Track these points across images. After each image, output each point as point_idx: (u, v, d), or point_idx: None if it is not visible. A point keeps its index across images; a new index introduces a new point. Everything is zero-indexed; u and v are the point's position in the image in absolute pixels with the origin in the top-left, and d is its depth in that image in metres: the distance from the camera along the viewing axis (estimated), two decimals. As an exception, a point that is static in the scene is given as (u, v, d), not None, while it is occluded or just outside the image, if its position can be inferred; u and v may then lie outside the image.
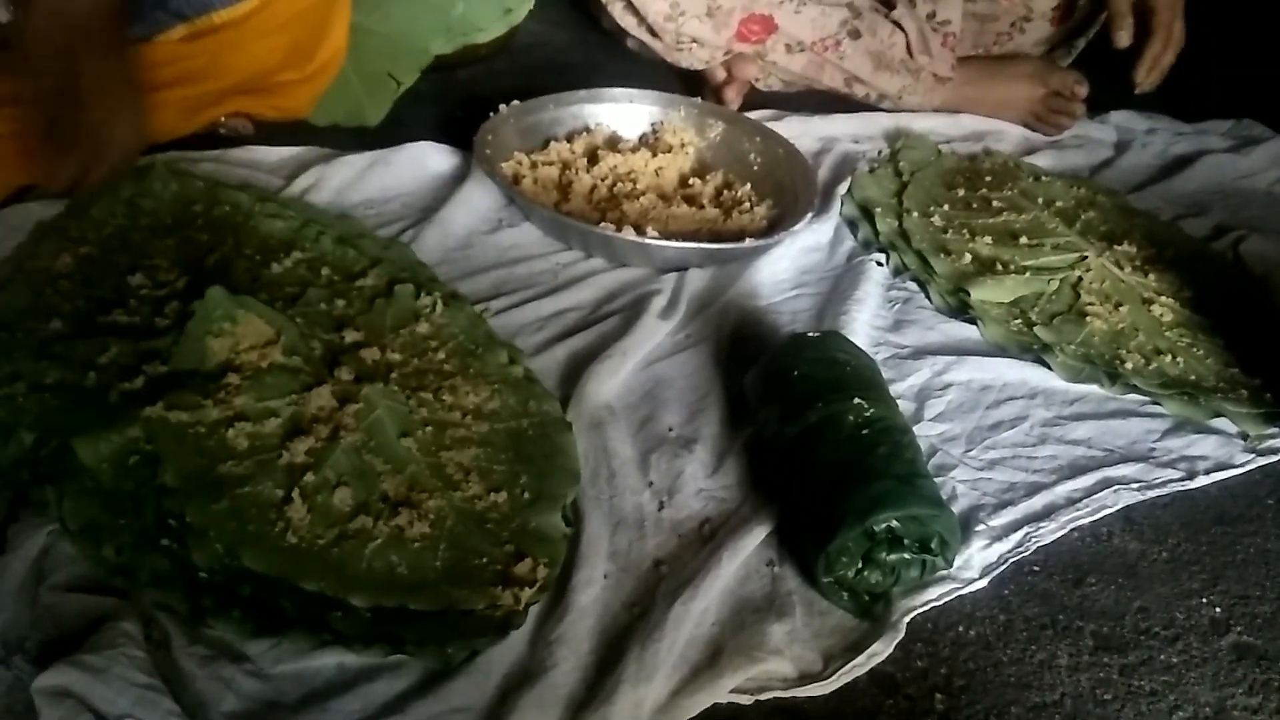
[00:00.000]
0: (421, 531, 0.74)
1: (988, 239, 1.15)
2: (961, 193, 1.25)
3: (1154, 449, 0.95)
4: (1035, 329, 1.05)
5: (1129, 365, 1.02)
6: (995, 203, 1.22)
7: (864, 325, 1.02)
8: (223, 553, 0.69)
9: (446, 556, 0.73)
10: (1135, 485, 0.90)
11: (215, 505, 0.71)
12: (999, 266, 1.11)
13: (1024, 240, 1.15)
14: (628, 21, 1.38)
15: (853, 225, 1.20)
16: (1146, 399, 1.00)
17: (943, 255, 1.12)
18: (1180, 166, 1.43)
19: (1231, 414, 0.98)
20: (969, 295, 1.07)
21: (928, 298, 1.10)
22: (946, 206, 1.21)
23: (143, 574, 0.68)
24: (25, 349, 0.79)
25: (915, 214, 1.18)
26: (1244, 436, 0.97)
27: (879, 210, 1.18)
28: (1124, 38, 1.31)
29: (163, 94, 1.04)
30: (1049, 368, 1.02)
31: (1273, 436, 0.97)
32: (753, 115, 1.33)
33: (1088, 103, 1.44)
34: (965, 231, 1.17)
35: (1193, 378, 1.02)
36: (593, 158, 1.20)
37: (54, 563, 0.69)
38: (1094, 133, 1.49)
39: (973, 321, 1.06)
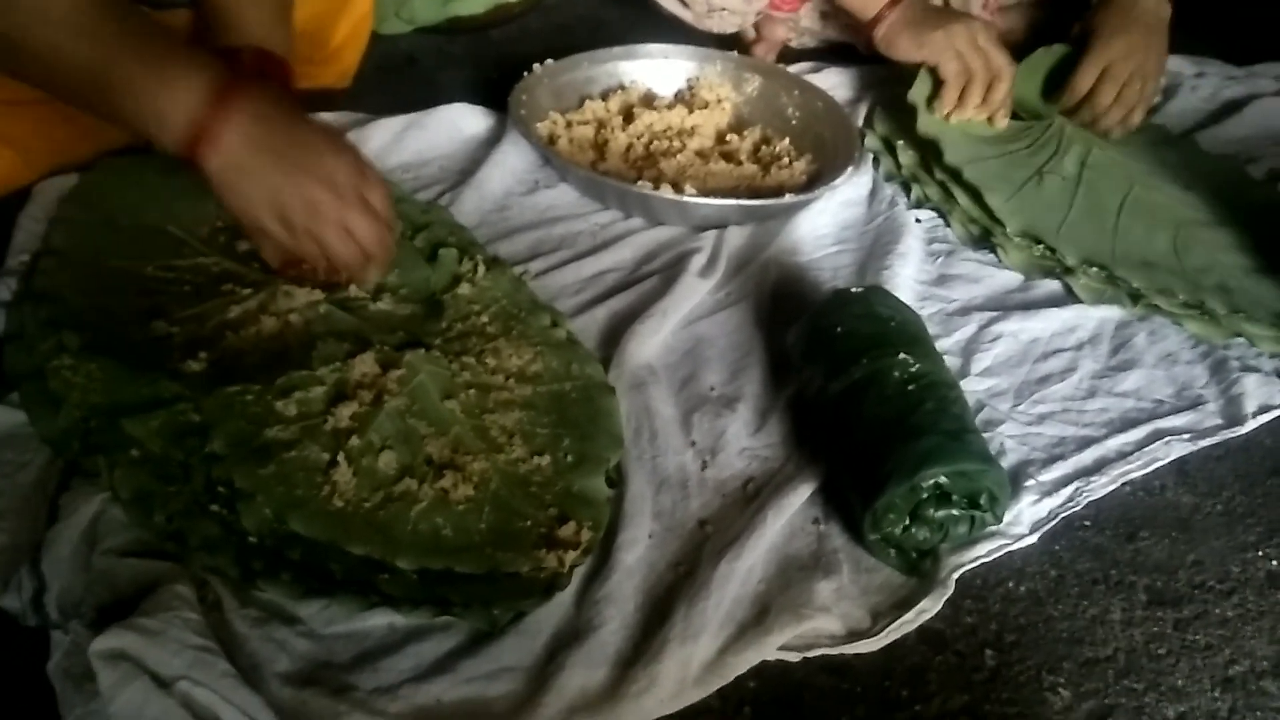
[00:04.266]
0: (466, 494, 0.74)
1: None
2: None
3: (1202, 395, 0.94)
4: (1057, 253, 1.04)
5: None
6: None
7: (908, 280, 1.01)
8: (271, 517, 0.70)
9: (491, 519, 0.73)
10: (1186, 435, 0.89)
11: (263, 470, 0.71)
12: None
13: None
14: None
15: (876, 159, 1.19)
16: (1188, 342, 0.99)
17: (960, 182, 1.11)
18: (1230, 111, 1.38)
19: (1250, 334, 0.99)
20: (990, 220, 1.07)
21: (947, 225, 1.11)
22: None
23: (193, 539, 0.69)
24: (74, 322, 0.79)
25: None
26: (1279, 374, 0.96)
27: (900, 144, 1.17)
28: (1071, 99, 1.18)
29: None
30: (1071, 292, 1.02)
31: None
32: (791, 69, 1.30)
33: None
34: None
35: (1215, 298, 1.02)
36: (628, 116, 1.19)
37: (106, 528, 0.70)
38: (1142, 78, 1.45)
39: (994, 250, 1.07)
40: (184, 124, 0.73)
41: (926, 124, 1.15)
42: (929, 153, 1.14)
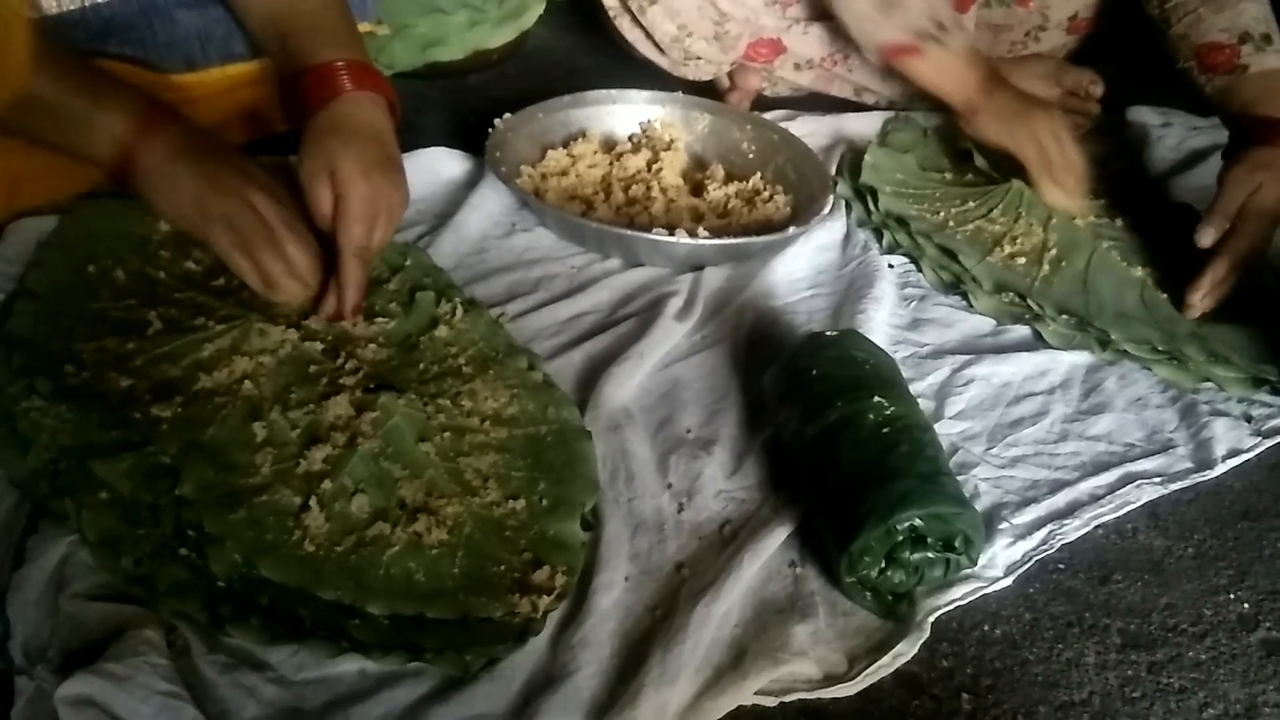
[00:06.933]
0: (439, 538, 0.73)
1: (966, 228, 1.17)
2: (949, 175, 1.26)
3: (1172, 439, 0.95)
4: (1027, 300, 1.06)
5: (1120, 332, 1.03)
6: (972, 201, 1.21)
7: (882, 324, 1.02)
8: (241, 562, 0.69)
9: (464, 564, 0.73)
10: (1157, 479, 0.90)
11: (233, 515, 0.70)
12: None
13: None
14: (634, 35, 1.37)
15: (848, 205, 1.21)
16: (1158, 387, 1.01)
17: (930, 240, 1.13)
18: (1196, 160, 1.41)
19: (1219, 378, 1.00)
20: (960, 266, 1.09)
21: (919, 270, 1.13)
22: (924, 204, 1.20)
23: (162, 583, 0.68)
24: (46, 368, 0.78)
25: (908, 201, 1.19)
26: (1248, 419, 0.98)
27: (869, 194, 1.19)
28: (1208, 237, 1.08)
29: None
30: (1041, 338, 1.04)
31: (1272, 416, 0.98)
32: (768, 115, 1.32)
33: (1103, 100, 1.43)
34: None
35: (1189, 346, 1.03)
36: (596, 163, 1.19)
37: (74, 572, 0.68)
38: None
39: (964, 296, 1.08)
40: (113, 141, 0.86)
41: (887, 202, 1.17)
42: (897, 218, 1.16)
